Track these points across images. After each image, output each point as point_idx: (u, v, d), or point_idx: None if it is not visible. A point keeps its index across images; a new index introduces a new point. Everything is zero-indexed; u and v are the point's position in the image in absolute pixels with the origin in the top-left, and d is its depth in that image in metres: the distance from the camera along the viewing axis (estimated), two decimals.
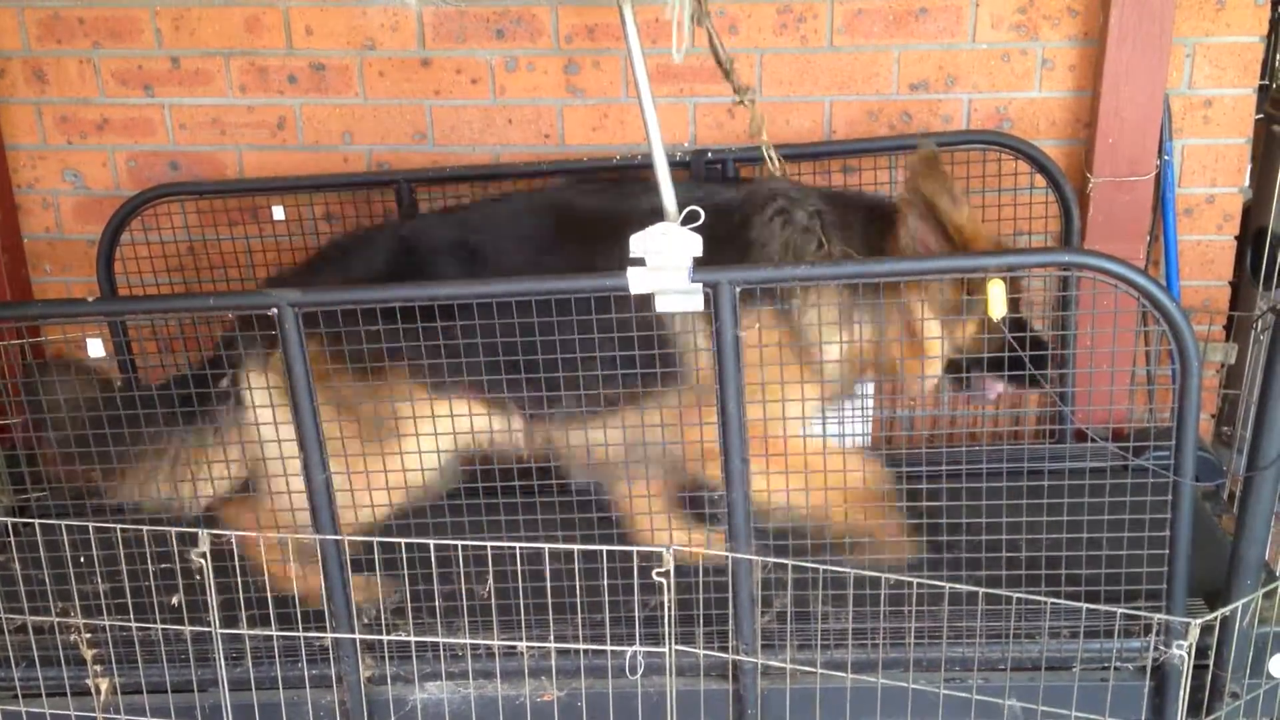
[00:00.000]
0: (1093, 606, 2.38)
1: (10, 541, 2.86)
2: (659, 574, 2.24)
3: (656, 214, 2.39)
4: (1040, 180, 3.29)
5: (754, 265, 2.62)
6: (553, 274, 2.48)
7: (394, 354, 2.49)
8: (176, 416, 2.76)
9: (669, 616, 2.31)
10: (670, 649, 2.36)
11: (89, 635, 2.55)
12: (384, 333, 2.45)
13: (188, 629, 2.48)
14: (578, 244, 2.78)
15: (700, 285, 2.25)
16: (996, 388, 2.82)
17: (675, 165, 3.08)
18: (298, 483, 2.45)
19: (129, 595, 2.53)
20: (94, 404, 2.71)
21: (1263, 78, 3.43)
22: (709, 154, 3.32)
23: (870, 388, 3.22)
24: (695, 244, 2.23)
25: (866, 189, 3.35)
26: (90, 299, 2.81)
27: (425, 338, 2.45)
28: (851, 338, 2.66)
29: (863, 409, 3.17)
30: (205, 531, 2.34)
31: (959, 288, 2.60)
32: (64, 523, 2.46)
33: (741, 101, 2.90)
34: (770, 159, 3.01)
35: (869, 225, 2.75)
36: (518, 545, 2.42)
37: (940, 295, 2.63)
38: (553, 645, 2.50)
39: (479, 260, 2.81)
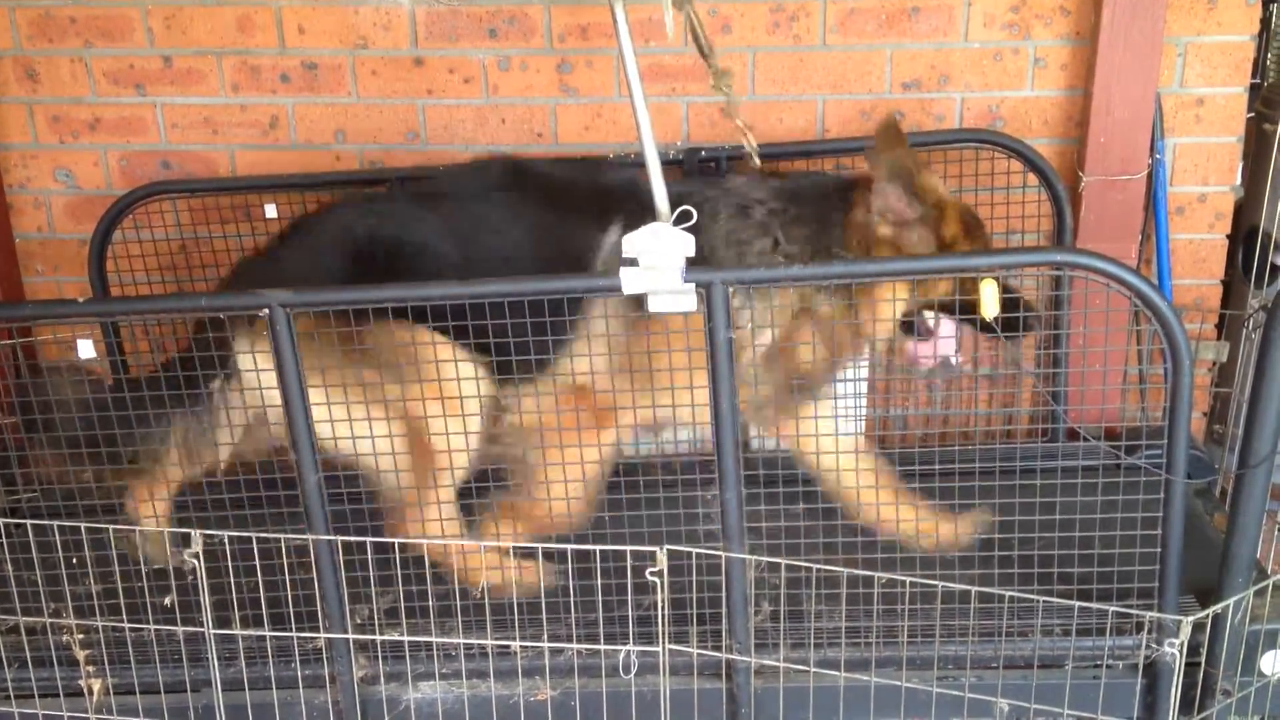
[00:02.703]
0: (1085, 604, 2.39)
1: (2, 542, 2.85)
2: (652, 573, 2.24)
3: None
4: (1032, 179, 3.30)
5: (746, 266, 2.63)
6: (547, 273, 2.49)
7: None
8: (167, 407, 2.76)
9: (663, 616, 2.31)
10: (664, 648, 2.37)
11: (82, 636, 2.55)
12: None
13: (181, 629, 2.48)
14: (544, 214, 2.82)
15: (693, 285, 2.25)
16: (948, 339, 2.79)
17: (668, 164, 3.09)
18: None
19: (121, 596, 2.52)
20: (84, 405, 2.71)
21: (1253, 76, 3.43)
22: (702, 152, 3.32)
23: (864, 386, 3.23)
24: (688, 244, 2.23)
25: None
26: (82, 299, 2.80)
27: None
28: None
29: (855, 407, 3.17)
30: (198, 531, 2.34)
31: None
32: (56, 523, 2.46)
33: (718, 86, 2.90)
34: (748, 145, 3.00)
35: (830, 210, 2.76)
36: (510, 544, 2.42)
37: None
38: (546, 645, 2.50)
39: (442, 232, 2.84)
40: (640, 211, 2.46)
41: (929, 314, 2.74)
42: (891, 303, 2.60)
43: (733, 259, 2.70)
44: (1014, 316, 2.53)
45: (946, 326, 2.74)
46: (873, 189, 2.65)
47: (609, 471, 2.74)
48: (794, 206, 2.78)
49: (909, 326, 2.77)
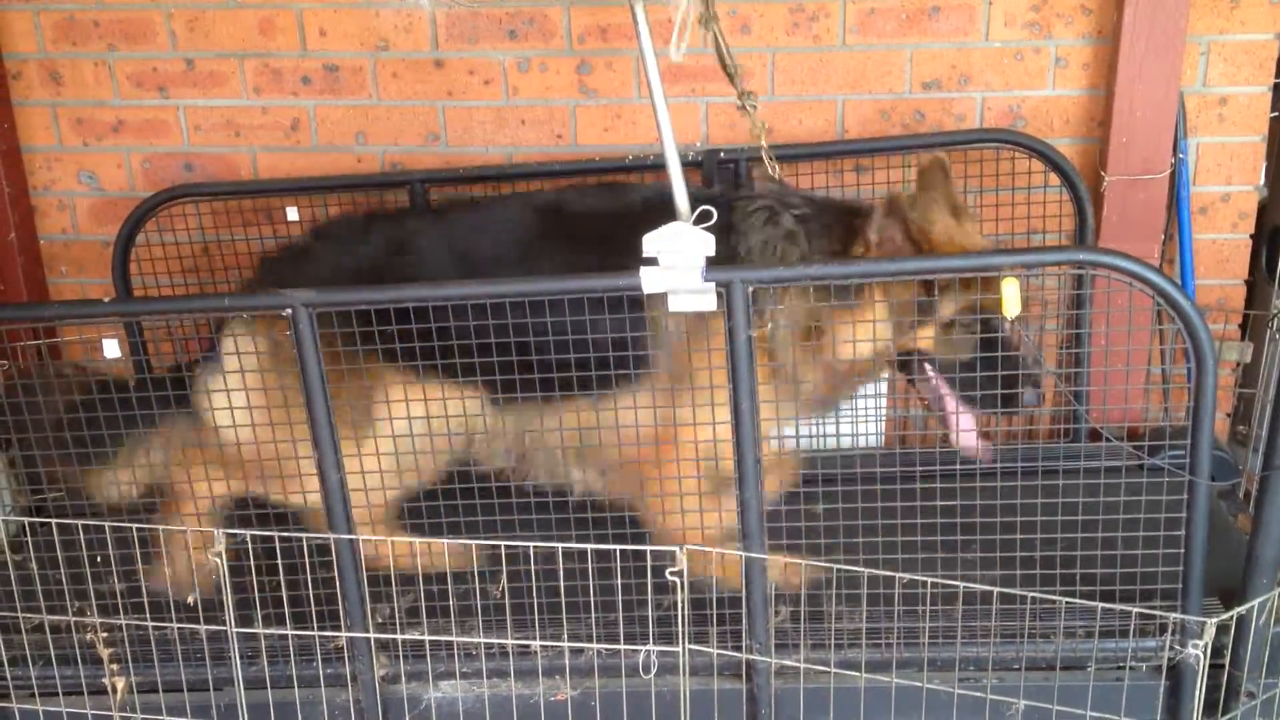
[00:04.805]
0: (1108, 606, 2.37)
1: (27, 541, 2.87)
2: (672, 573, 2.24)
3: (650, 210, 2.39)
4: (1054, 179, 3.28)
5: (766, 266, 2.62)
6: (564, 274, 2.49)
7: (367, 339, 2.49)
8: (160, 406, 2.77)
9: (683, 616, 2.31)
10: (684, 648, 2.36)
11: (105, 634, 2.57)
12: (359, 318, 2.49)
13: (203, 628, 2.49)
14: (570, 246, 2.80)
15: (713, 285, 2.25)
16: (970, 436, 2.72)
17: (688, 165, 3.09)
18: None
19: (145, 594, 2.54)
20: (78, 405, 2.72)
21: (1278, 75, 3.41)
22: (721, 153, 3.32)
23: (884, 387, 3.22)
24: (708, 243, 2.23)
25: (879, 188, 3.34)
26: (106, 300, 2.82)
27: (401, 325, 2.47)
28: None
29: (875, 408, 3.17)
30: (221, 531, 2.35)
31: (918, 287, 2.59)
32: (80, 522, 2.47)
33: (743, 106, 2.90)
34: (769, 164, 3.00)
35: (849, 229, 2.74)
36: (531, 545, 2.43)
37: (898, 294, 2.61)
38: (566, 645, 2.50)
39: (469, 260, 2.84)
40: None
41: (940, 384, 2.70)
42: (872, 324, 2.56)
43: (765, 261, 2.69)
44: (1016, 393, 2.53)
45: (966, 420, 2.69)
46: (870, 221, 2.62)
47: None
48: (819, 219, 2.77)
49: (906, 366, 2.75)
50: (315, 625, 2.49)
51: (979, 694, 2.43)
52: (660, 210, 2.42)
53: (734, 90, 2.84)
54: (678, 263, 2.23)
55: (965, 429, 2.69)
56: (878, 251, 2.60)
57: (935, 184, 2.64)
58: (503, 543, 2.57)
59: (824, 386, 2.74)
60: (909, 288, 2.57)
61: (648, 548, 2.34)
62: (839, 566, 2.41)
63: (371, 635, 2.52)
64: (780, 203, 2.77)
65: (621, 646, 2.45)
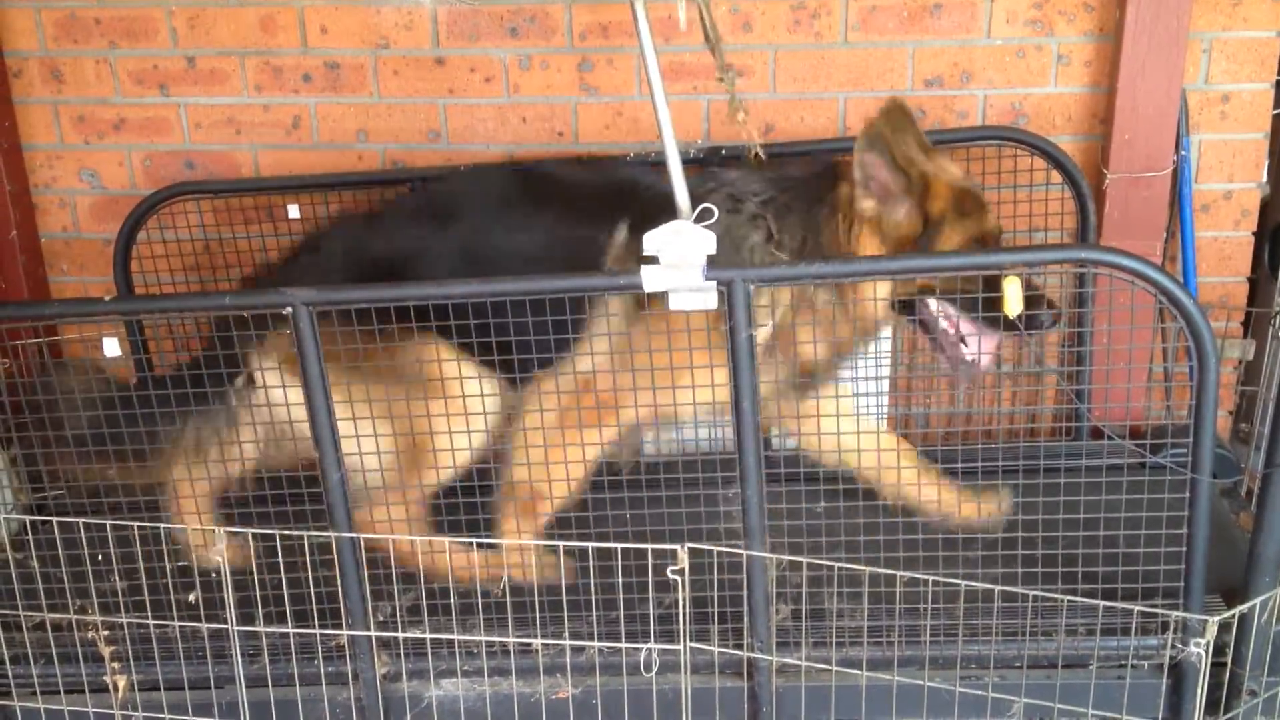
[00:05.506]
0: (1110, 604, 2.37)
1: (29, 539, 2.87)
2: (674, 571, 2.24)
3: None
4: (1056, 176, 3.28)
5: (769, 264, 2.62)
6: (565, 272, 2.49)
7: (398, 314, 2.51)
8: (189, 403, 2.78)
9: (684, 614, 2.30)
10: (685, 646, 2.36)
11: (107, 633, 2.57)
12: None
13: (205, 626, 2.49)
14: (555, 214, 2.86)
15: (714, 283, 2.24)
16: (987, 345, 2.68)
17: (689, 162, 3.08)
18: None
19: (146, 593, 2.54)
20: (104, 402, 2.73)
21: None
22: (723, 150, 3.32)
23: (885, 384, 3.21)
24: (709, 242, 2.23)
25: None
26: (106, 298, 2.82)
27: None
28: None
29: (878, 406, 3.16)
30: (223, 529, 2.35)
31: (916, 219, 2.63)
32: (82, 520, 2.47)
33: (723, 78, 2.88)
34: (748, 138, 2.98)
35: (819, 200, 2.74)
36: (533, 542, 2.43)
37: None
38: (568, 643, 2.50)
39: (451, 227, 2.89)
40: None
41: (944, 310, 2.67)
42: (873, 283, 2.57)
43: (728, 251, 2.68)
44: (1033, 314, 2.49)
45: (988, 342, 2.66)
46: (852, 160, 2.62)
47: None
48: (784, 194, 2.76)
49: (908, 308, 2.72)
50: (317, 623, 2.50)
51: (980, 692, 2.43)
52: None
53: (716, 65, 2.83)
54: (678, 261, 2.23)
55: (970, 348, 2.66)
56: (864, 192, 2.59)
57: (902, 124, 2.64)
58: (504, 541, 2.57)
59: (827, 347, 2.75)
60: (909, 224, 2.61)
61: (649, 545, 2.34)
62: (840, 564, 2.41)
63: (373, 633, 2.52)
64: (741, 189, 2.76)
65: (623, 644, 2.45)
